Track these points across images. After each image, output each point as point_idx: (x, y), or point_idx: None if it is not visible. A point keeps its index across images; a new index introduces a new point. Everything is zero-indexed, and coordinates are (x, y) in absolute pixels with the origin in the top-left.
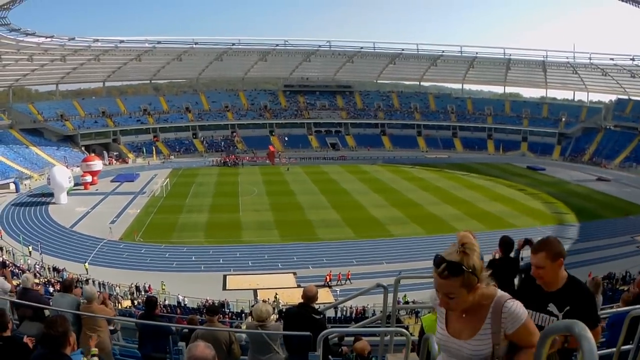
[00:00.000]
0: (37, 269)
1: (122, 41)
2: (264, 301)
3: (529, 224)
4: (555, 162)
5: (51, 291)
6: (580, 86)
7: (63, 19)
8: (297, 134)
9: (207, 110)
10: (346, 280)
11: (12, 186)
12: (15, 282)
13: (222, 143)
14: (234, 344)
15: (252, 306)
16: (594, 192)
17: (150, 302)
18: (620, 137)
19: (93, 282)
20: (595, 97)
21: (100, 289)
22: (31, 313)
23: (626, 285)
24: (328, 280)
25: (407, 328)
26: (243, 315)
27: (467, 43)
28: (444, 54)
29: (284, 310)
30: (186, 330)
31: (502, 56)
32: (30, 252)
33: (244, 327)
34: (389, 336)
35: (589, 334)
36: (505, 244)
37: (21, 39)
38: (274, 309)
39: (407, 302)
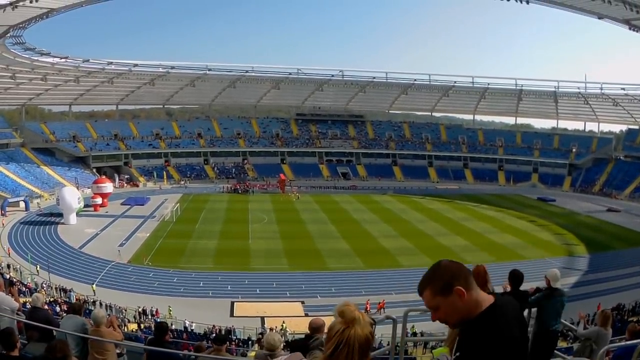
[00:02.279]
0: (45, 288)
1: (136, 65)
2: (270, 329)
3: (539, 255)
4: (566, 193)
5: (58, 311)
6: (591, 116)
7: (77, 40)
8: (309, 163)
9: (218, 137)
10: (379, 310)
11: (22, 204)
12: (22, 300)
13: (233, 170)
14: None
15: (260, 334)
16: (604, 223)
17: (161, 328)
18: (630, 167)
19: (100, 304)
20: (605, 127)
21: (108, 312)
22: (39, 333)
23: (635, 316)
24: (368, 308)
25: None
26: (250, 342)
27: (479, 74)
28: (455, 84)
29: (289, 340)
30: (194, 357)
31: (514, 87)
32: (38, 271)
33: (251, 355)
34: None
35: None
36: (515, 277)
37: (36, 58)
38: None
39: (415, 334)
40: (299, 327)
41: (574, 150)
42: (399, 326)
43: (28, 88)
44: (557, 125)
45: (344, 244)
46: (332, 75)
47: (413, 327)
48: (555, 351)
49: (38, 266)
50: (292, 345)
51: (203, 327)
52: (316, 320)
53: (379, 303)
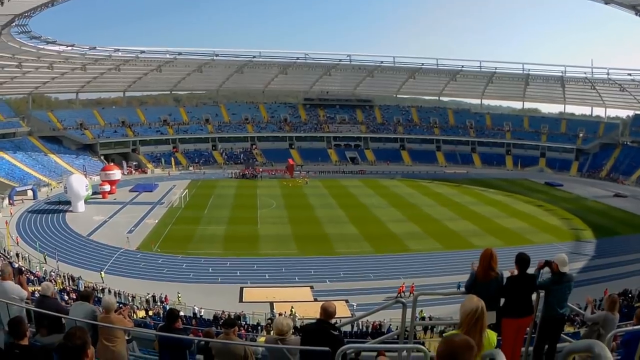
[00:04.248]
0: (53, 276)
1: (142, 51)
2: (280, 315)
3: (547, 240)
4: (573, 178)
5: (66, 299)
6: (598, 102)
7: (83, 28)
8: (317, 148)
9: (227, 122)
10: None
11: (30, 193)
12: (31, 289)
13: (242, 155)
14: (249, 357)
15: (269, 319)
16: (611, 209)
17: (172, 315)
18: (637, 153)
19: (109, 291)
20: (612, 112)
21: (117, 299)
22: (48, 327)
23: None
24: (403, 289)
25: (422, 344)
26: (259, 328)
27: (486, 58)
28: (463, 69)
29: (299, 326)
30: (203, 343)
31: (521, 71)
32: (45, 259)
33: (261, 340)
34: (405, 352)
35: (608, 353)
36: (522, 260)
37: (42, 46)
38: None
39: (423, 318)
40: (308, 312)
41: (581, 135)
42: (409, 311)
43: (34, 77)
44: (565, 110)
45: (352, 228)
46: (340, 60)
47: (422, 311)
48: (562, 335)
49: (45, 254)
50: (304, 330)
51: (212, 313)
52: (329, 305)
53: (412, 285)
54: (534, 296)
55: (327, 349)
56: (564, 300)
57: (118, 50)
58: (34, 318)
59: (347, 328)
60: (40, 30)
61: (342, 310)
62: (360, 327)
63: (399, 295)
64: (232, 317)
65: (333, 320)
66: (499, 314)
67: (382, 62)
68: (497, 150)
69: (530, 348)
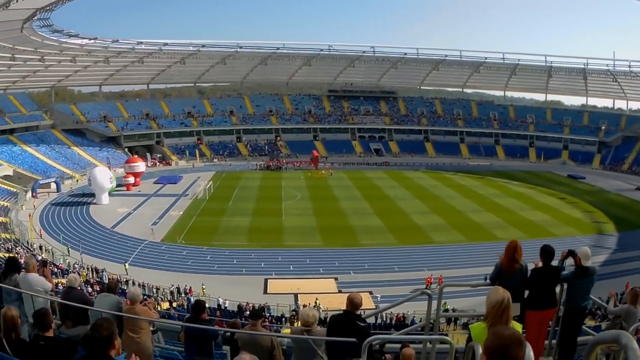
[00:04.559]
0: (77, 269)
1: (166, 44)
2: (304, 306)
3: (569, 232)
4: (595, 170)
5: (89, 291)
6: (620, 94)
7: (103, 20)
8: (341, 139)
9: (251, 114)
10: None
11: (53, 186)
12: (54, 282)
13: (266, 147)
14: (275, 349)
15: (293, 311)
16: (633, 202)
17: (198, 306)
18: None
19: (133, 282)
20: (634, 105)
21: (143, 291)
22: (73, 318)
23: None
24: (431, 280)
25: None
26: (283, 319)
27: (508, 50)
28: (486, 60)
29: (323, 317)
30: (229, 334)
31: (544, 63)
32: (68, 252)
33: (286, 332)
34: (430, 344)
35: (635, 344)
36: (547, 253)
37: (64, 40)
38: None
39: (446, 310)
40: (332, 303)
41: (603, 127)
42: (434, 303)
43: (57, 70)
44: (587, 102)
45: (376, 220)
46: (364, 52)
47: (445, 303)
48: (584, 328)
49: (69, 247)
50: (331, 321)
51: (236, 304)
52: (356, 296)
53: (438, 277)
54: (557, 288)
55: (353, 340)
56: (587, 294)
57: (141, 42)
58: (58, 310)
59: (371, 320)
60: (62, 24)
61: (366, 302)
62: (384, 319)
63: (426, 287)
64: (258, 308)
65: (358, 312)
66: (522, 306)
67: (405, 53)
68: (521, 143)
69: (554, 341)
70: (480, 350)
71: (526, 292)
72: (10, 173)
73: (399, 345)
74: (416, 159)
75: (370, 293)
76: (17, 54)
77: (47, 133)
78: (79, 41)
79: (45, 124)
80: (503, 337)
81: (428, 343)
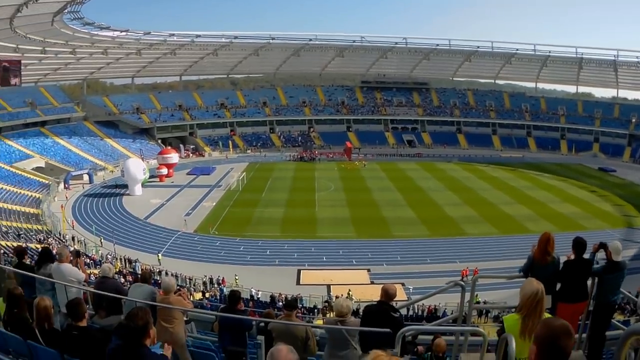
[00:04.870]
0: (109, 259)
1: (198, 36)
2: (336, 297)
3: (599, 226)
4: (626, 163)
5: (122, 282)
6: None
7: (136, 13)
8: (374, 131)
9: (284, 105)
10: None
11: (86, 177)
12: (88, 272)
13: (299, 138)
14: (310, 339)
15: (326, 302)
16: None
17: (234, 297)
18: None
19: (166, 273)
20: None
21: (176, 282)
22: (107, 309)
23: None
24: (466, 273)
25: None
26: (316, 310)
27: (539, 41)
28: (517, 52)
29: (357, 308)
30: (263, 324)
31: (575, 55)
32: (101, 243)
33: (318, 323)
34: (463, 336)
35: None
36: (579, 245)
37: (95, 32)
38: None
39: (477, 302)
40: (365, 294)
41: (633, 120)
42: (467, 295)
43: (88, 62)
44: (617, 94)
45: (409, 211)
46: (396, 43)
47: (477, 295)
48: (614, 322)
49: (102, 238)
50: (365, 311)
51: (269, 295)
52: (390, 287)
53: (474, 270)
54: (589, 282)
55: (388, 330)
56: (617, 288)
57: (173, 35)
58: (91, 301)
59: (403, 311)
60: (93, 17)
61: (398, 294)
62: (416, 311)
63: (462, 279)
64: (291, 299)
65: (392, 303)
66: (554, 299)
67: (437, 44)
68: (552, 135)
69: (584, 335)
70: (514, 342)
71: (558, 285)
72: (43, 165)
73: (430, 337)
74: (448, 151)
75: (403, 285)
76: (47, 47)
77: (79, 125)
78: (110, 33)
79: (77, 116)
80: (554, 327)
81: (460, 335)
